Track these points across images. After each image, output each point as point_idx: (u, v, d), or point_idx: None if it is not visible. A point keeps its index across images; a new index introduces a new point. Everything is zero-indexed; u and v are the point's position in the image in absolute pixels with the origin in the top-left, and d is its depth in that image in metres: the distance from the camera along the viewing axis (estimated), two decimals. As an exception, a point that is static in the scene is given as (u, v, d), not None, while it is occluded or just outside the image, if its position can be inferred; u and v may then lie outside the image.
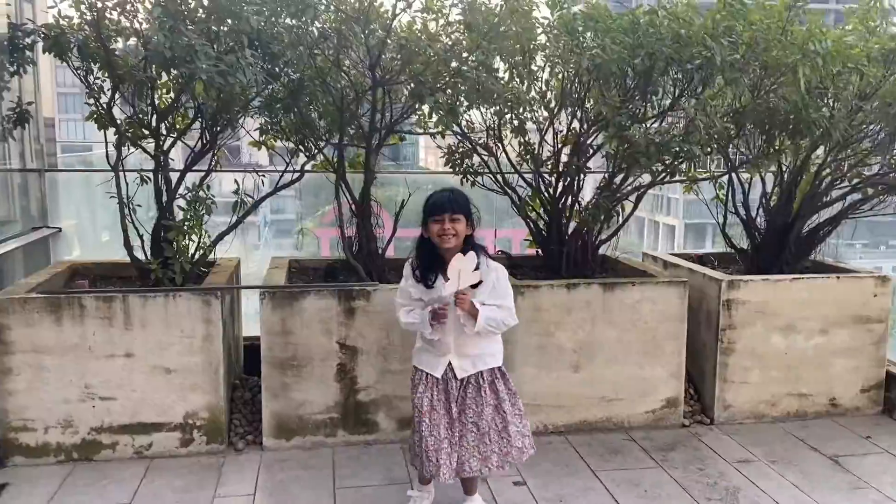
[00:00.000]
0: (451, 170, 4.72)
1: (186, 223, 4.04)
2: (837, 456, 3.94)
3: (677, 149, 3.46)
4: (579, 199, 4.50)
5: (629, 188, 4.40)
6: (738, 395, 4.34)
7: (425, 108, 4.01)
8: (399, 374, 3.94)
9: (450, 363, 3.06)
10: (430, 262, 3.03)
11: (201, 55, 3.27)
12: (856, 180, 4.57)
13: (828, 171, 4.58)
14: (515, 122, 4.38)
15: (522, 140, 4.50)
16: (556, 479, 3.66)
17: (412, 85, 3.81)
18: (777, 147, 4.20)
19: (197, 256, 4.16)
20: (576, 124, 4.36)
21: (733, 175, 4.72)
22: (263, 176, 4.57)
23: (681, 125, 3.98)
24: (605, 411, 4.22)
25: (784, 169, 4.64)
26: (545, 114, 4.45)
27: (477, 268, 2.93)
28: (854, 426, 4.32)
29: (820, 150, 4.51)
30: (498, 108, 4.23)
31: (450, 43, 3.82)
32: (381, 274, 4.30)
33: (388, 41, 3.77)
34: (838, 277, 4.37)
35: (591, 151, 4.43)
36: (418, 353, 3.17)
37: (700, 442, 4.11)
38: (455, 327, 3.02)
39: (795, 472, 3.75)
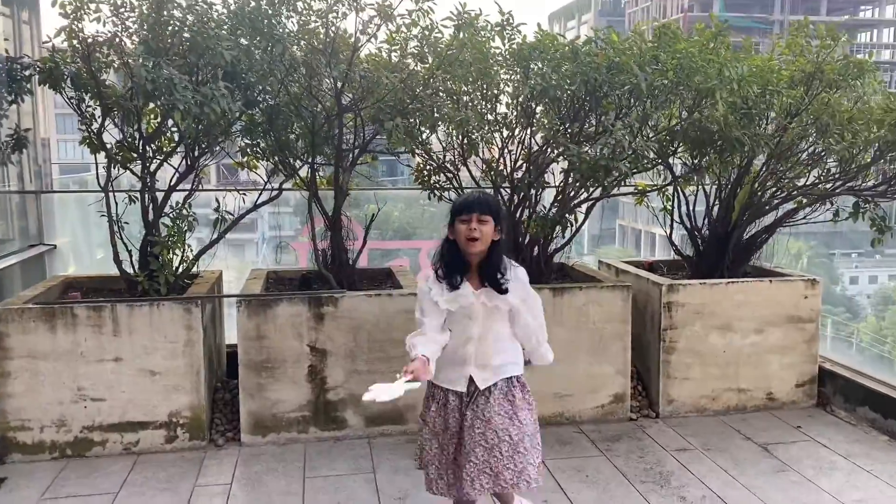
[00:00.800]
0: (419, 186, 5.11)
1: (170, 239, 4.43)
2: (767, 444, 4.30)
3: (605, 165, 3.84)
4: (537, 211, 4.89)
5: (580, 200, 4.79)
6: (680, 390, 4.71)
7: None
8: (366, 375, 4.30)
9: (471, 376, 2.86)
10: (455, 265, 2.82)
11: (179, 87, 3.66)
12: (792, 191, 4.95)
13: (769, 183, 4.97)
14: (476, 142, 4.76)
15: (482, 158, 4.89)
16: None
17: (373, 111, 4.20)
18: (707, 163, 4.58)
19: (181, 269, 4.54)
20: (534, 142, 4.75)
21: (679, 188, 5.11)
22: (245, 194, 4.97)
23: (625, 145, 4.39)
24: (559, 406, 4.58)
25: (723, 182, 5.03)
26: (506, 133, 4.84)
27: (503, 275, 2.82)
28: (788, 418, 4.69)
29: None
30: (455, 129, 4.61)
31: (406, 73, 4.21)
32: (352, 282, 4.68)
33: (351, 72, 4.16)
34: (771, 281, 4.76)
35: (545, 167, 4.82)
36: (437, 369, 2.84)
37: (644, 433, 4.47)
38: (477, 335, 2.85)
39: (726, 459, 4.11)
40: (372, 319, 4.32)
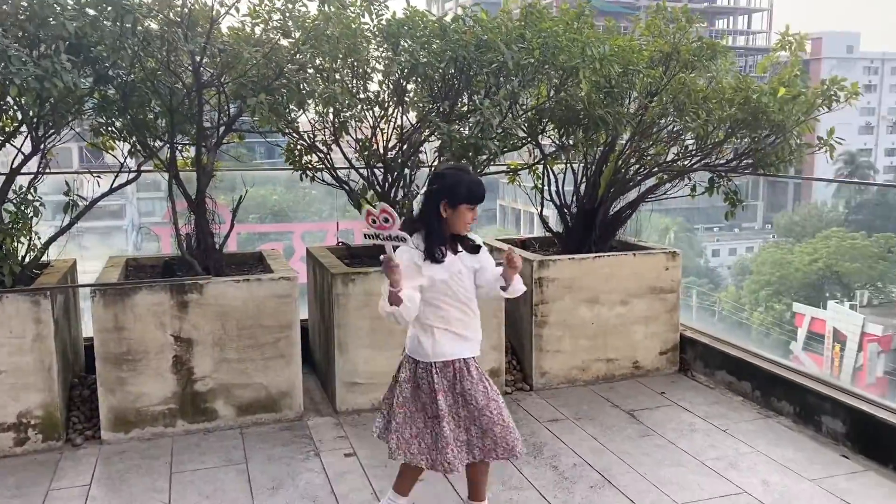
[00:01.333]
0: (290, 167, 4.96)
1: (14, 226, 4.07)
2: (634, 410, 4.50)
3: (475, 143, 3.85)
4: (411, 191, 4.85)
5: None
6: (553, 362, 4.84)
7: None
8: (236, 363, 4.15)
9: (458, 348, 2.90)
10: (441, 240, 2.83)
11: (15, 59, 3.34)
12: (653, 168, 5.16)
13: (632, 160, 5.16)
14: (348, 121, 4.65)
15: (354, 137, 4.79)
16: (383, 449, 3.98)
17: (236, 87, 4.01)
18: (574, 141, 4.70)
19: (28, 259, 4.19)
20: (406, 121, 4.70)
21: (549, 166, 5.22)
22: (99, 177, 4.64)
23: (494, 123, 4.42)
24: (435, 385, 4.59)
25: (589, 161, 5.18)
26: (379, 112, 4.76)
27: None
28: (653, 385, 4.92)
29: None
30: (324, 106, 4.48)
31: (270, 47, 4.04)
32: (219, 268, 4.48)
33: (210, 45, 3.95)
34: (635, 254, 4.95)
35: (418, 147, 4.78)
36: (411, 336, 2.94)
37: (518, 406, 4.57)
38: (459, 306, 2.89)
39: (596, 426, 4.27)
40: (240, 306, 4.16)
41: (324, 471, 3.74)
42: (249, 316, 4.17)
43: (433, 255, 2.82)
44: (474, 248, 2.95)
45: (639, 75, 4.55)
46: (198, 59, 3.95)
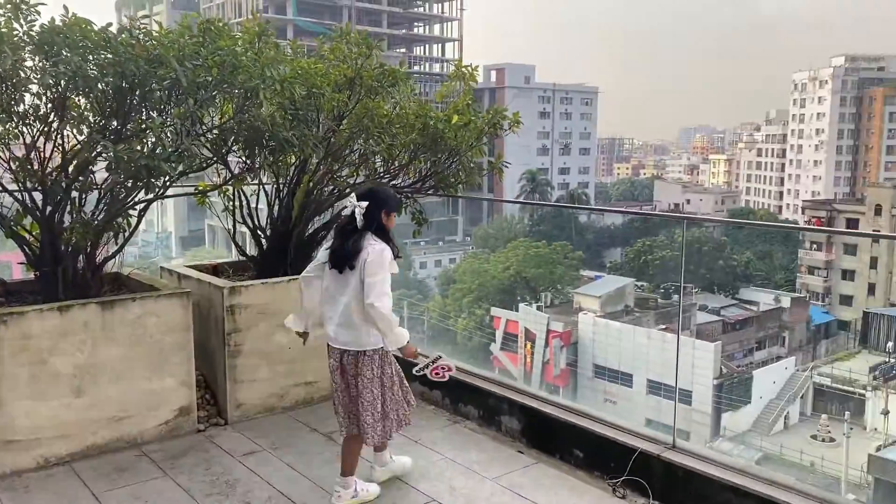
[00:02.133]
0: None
1: None
2: (333, 433, 4.48)
3: (147, 164, 3.57)
4: (82, 215, 4.34)
5: (130, 203, 4.39)
6: (249, 393, 4.66)
7: None
8: None
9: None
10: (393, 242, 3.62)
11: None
12: (345, 189, 5.23)
13: (326, 181, 5.17)
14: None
15: (8, 155, 4.17)
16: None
17: None
18: (260, 163, 4.59)
19: None
20: (70, 139, 4.20)
21: (238, 188, 5.03)
22: None
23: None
24: (115, 431, 4.16)
25: (282, 182, 5.10)
26: (40, 127, 4.19)
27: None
28: (352, 403, 4.97)
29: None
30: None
31: None
32: None
33: None
34: (329, 276, 4.97)
35: (84, 167, 4.31)
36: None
37: (212, 444, 4.32)
38: None
39: (294, 454, 4.18)
40: None
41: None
42: None
43: (396, 253, 3.57)
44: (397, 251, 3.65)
45: (324, 98, 4.59)
46: None
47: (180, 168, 3.97)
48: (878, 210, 51.81)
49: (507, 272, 42.85)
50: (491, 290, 41.03)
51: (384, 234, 3.56)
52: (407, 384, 3.74)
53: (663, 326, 36.92)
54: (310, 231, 5.21)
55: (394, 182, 5.15)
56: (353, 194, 3.64)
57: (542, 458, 4.18)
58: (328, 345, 3.64)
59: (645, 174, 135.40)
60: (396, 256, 3.59)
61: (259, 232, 5.17)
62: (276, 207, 5.17)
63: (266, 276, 4.95)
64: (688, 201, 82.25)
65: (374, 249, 3.44)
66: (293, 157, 4.79)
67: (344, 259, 3.46)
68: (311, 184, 5.13)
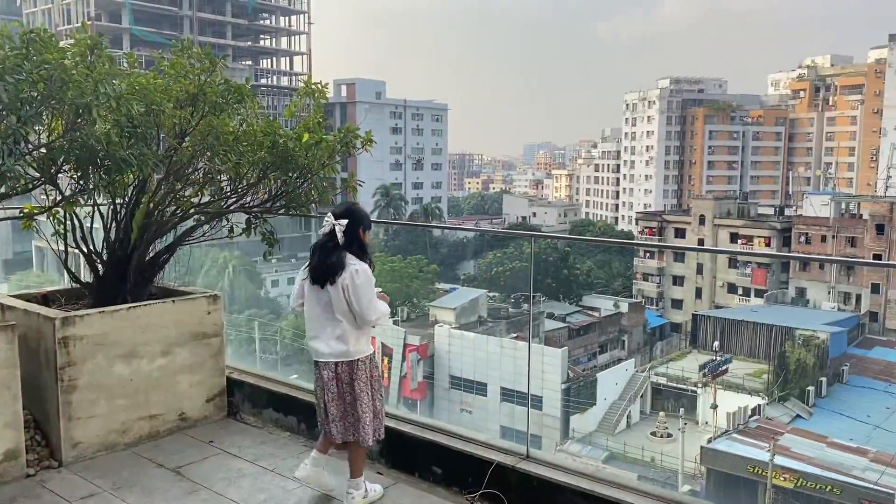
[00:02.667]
0: None
1: None
2: (180, 467, 4.26)
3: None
4: None
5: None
6: (86, 430, 4.32)
7: None
8: None
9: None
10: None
11: None
12: (189, 209, 5.00)
13: (168, 201, 4.91)
14: None
15: None
16: None
17: None
18: (94, 183, 4.30)
19: None
20: None
21: (70, 210, 4.68)
22: None
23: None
24: (-74, 484, 3.72)
25: (119, 203, 4.79)
26: None
27: None
28: (201, 434, 4.73)
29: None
30: None
31: None
32: None
33: None
34: (174, 301, 4.73)
35: None
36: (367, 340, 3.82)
37: (44, 489, 3.96)
38: None
39: (138, 493, 3.92)
40: None
41: None
42: None
43: (372, 268, 3.77)
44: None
45: (164, 115, 4.37)
46: None
47: (2, 189, 3.64)
48: (701, 220, 56.47)
49: (362, 288, 42.51)
50: (345, 307, 40.54)
51: (363, 251, 3.74)
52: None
53: (515, 335, 38.17)
54: (150, 255, 4.93)
55: (241, 201, 4.99)
56: (329, 213, 3.78)
57: (402, 478, 4.18)
58: (315, 361, 3.78)
59: (494, 189, 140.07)
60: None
61: (95, 256, 4.83)
62: (113, 230, 4.85)
63: (103, 304, 4.62)
64: (534, 214, 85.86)
65: (358, 271, 3.64)
66: (131, 176, 4.52)
67: (326, 274, 3.65)
68: (151, 204, 4.87)
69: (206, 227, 5.05)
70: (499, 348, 35.67)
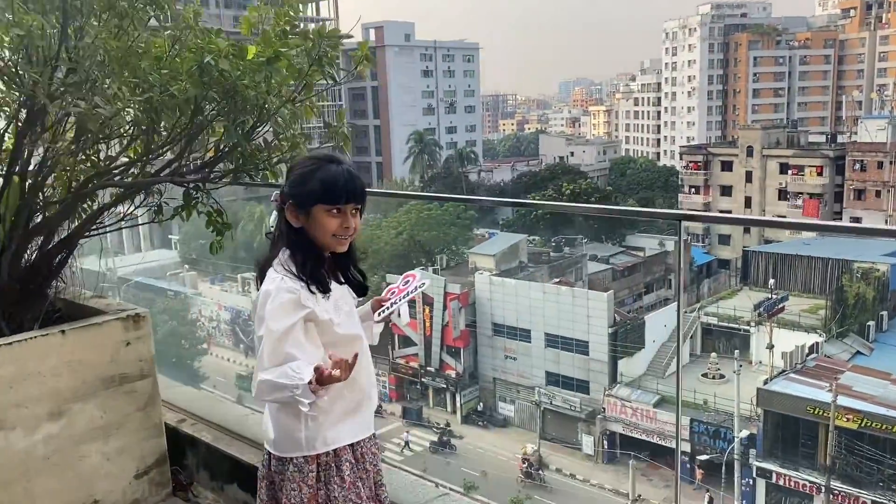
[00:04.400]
0: None
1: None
2: None
3: None
4: None
5: None
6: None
7: None
8: None
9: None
10: (318, 261, 2.00)
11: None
12: (88, 183, 3.19)
13: (55, 173, 3.13)
14: None
15: None
16: None
17: None
18: None
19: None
20: None
21: None
22: None
23: None
24: None
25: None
26: None
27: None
28: (127, 534, 3.04)
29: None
30: None
31: None
32: None
33: None
34: (63, 332, 2.96)
35: None
36: (331, 424, 2.00)
37: None
38: (366, 349, 2.08)
39: None
40: None
41: None
42: None
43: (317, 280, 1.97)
44: (361, 288, 2.18)
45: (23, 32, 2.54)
46: None
47: None
48: (749, 151, 53.36)
49: (399, 237, 41.12)
50: (385, 257, 39.30)
51: (299, 251, 2.00)
52: None
53: (557, 279, 36.50)
54: (33, 255, 3.16)
55: (171, 168, 3.15)
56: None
57: None
58: None
59: (529, 129, 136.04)
60: (321, 286, 2.00)
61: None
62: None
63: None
64: (571, 154, 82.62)
65: (267, 293, 1.95)
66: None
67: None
68: (36, 178, 3.08)
69: (122, 206, 3.26)
70: (541, 294, 34.38)
